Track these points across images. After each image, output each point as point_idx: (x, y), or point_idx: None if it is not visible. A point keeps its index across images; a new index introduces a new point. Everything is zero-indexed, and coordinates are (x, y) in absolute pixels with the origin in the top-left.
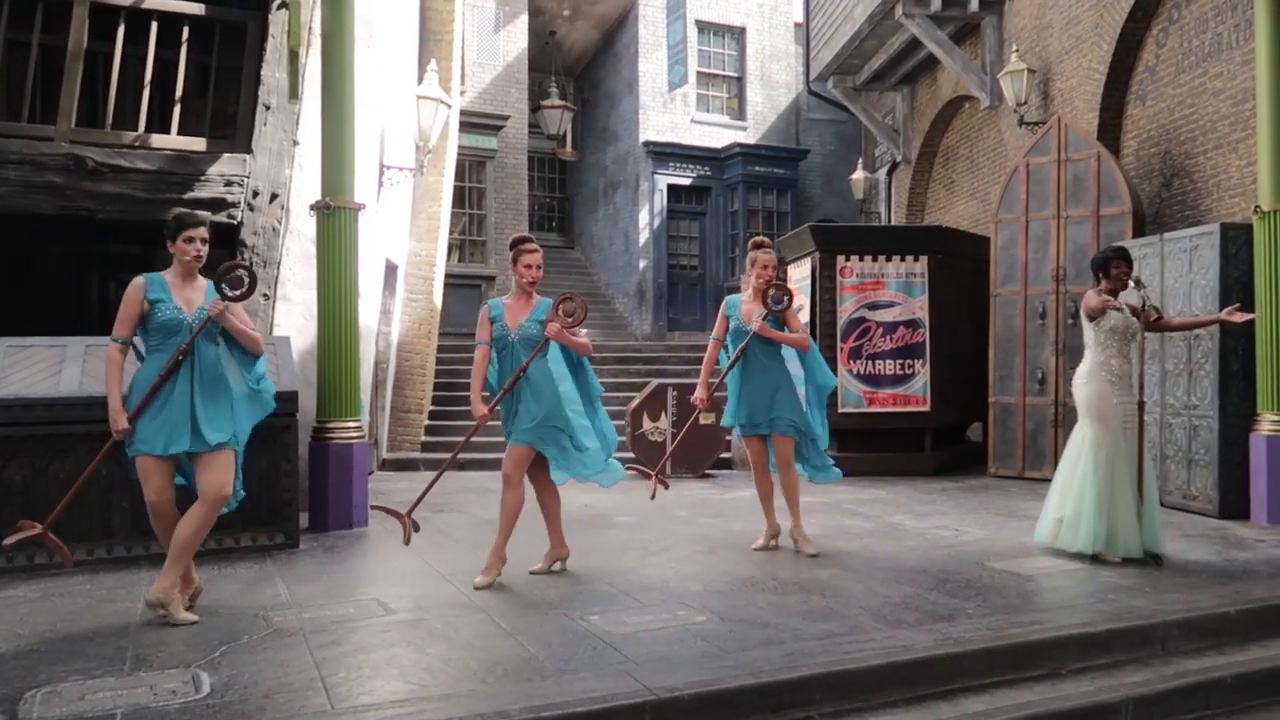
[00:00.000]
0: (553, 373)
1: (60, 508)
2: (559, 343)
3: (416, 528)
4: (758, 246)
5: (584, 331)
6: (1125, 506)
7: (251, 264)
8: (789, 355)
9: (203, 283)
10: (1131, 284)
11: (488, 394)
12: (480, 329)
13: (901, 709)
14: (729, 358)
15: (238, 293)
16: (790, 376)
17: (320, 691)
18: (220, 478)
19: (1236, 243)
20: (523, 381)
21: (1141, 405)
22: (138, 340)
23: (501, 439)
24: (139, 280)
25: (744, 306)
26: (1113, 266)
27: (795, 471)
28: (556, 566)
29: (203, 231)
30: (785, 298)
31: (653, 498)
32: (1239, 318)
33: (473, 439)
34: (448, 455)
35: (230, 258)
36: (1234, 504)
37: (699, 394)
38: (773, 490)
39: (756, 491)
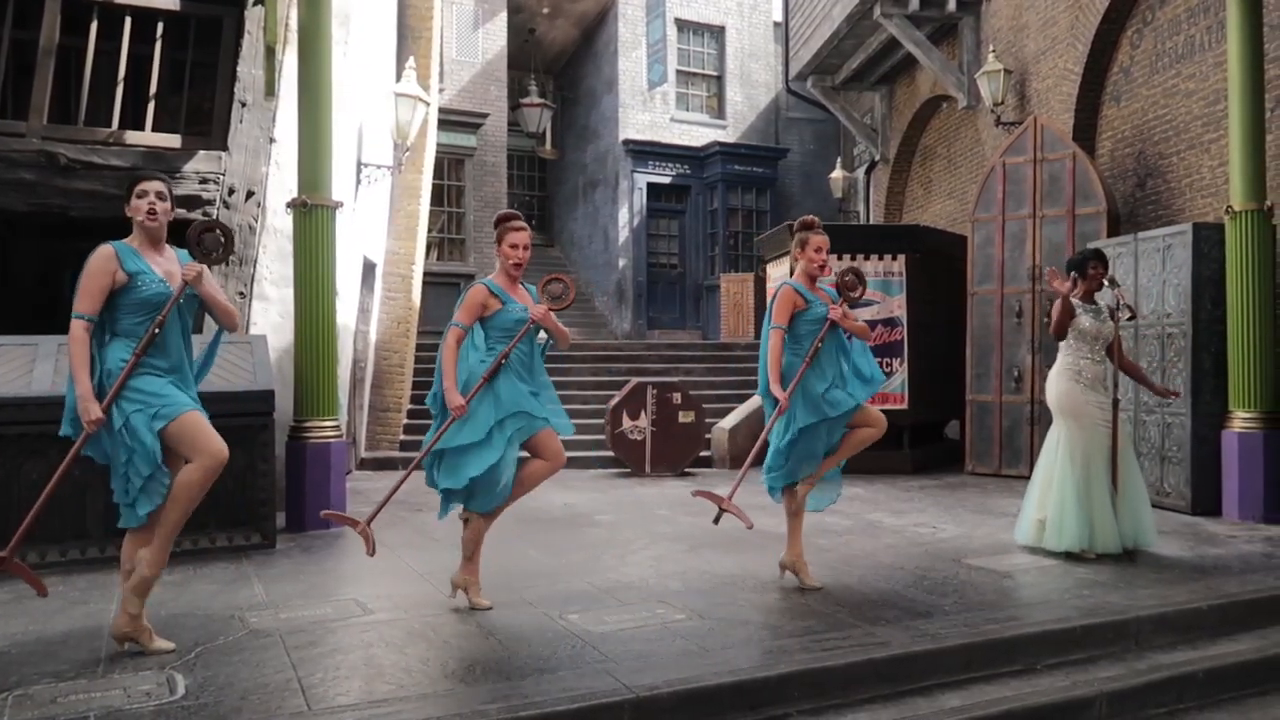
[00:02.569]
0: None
1: (22, 531)
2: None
3: (371, 547)
4: (807, 227)
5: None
6: (1102, 504)
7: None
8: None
9: (173, 253)
10: (1105, 283)
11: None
12: (468, 312)
13: (879, 705)
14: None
15: (215, 254)
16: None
17: (297, 692)
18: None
19: (1209, 242)
20: (513, 368)
21: (1116, 403)
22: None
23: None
24: (106, 249)
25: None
26: (1090, 267)
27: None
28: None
29: (157, 186)
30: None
31: (716, 522)
32: (1172, 398)
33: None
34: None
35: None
36: (1206, 500)
37: (779, 394)
38: None
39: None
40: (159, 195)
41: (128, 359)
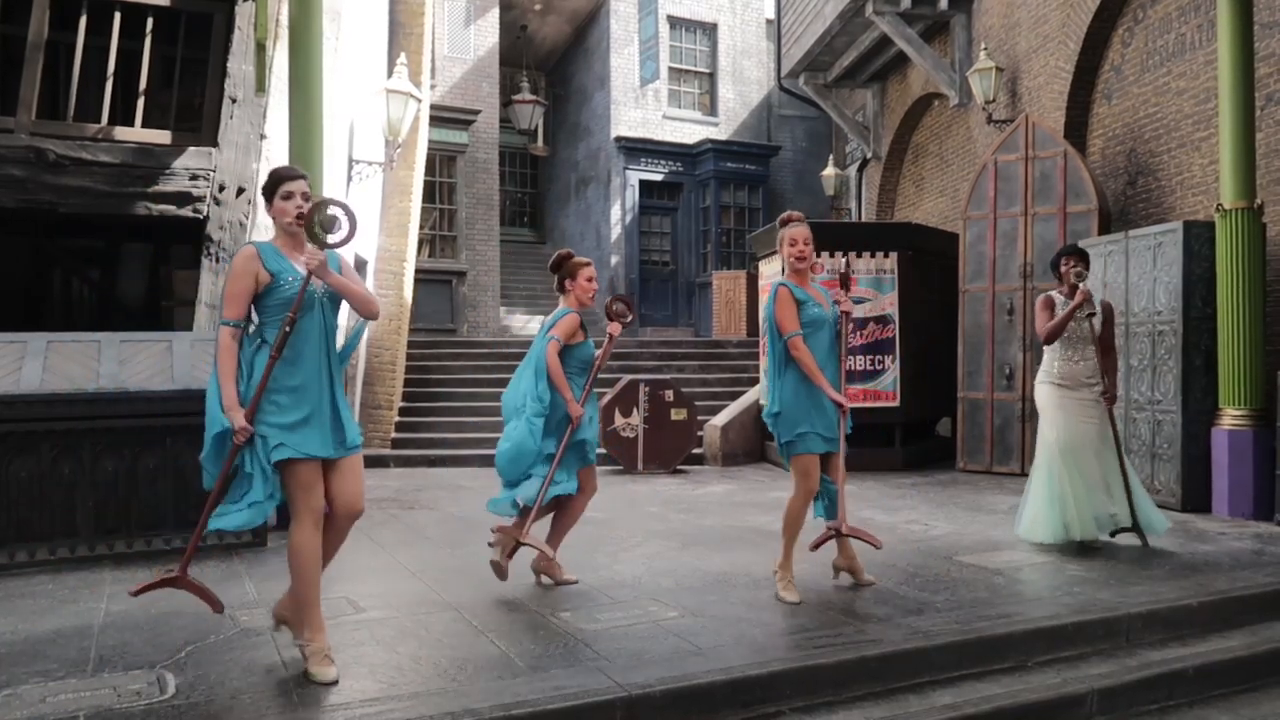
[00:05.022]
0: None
1: (191, 549)
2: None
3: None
4: (785, 222)
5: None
6: (1080, 498)
7: (217, 259)
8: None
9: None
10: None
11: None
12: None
13: (871, 702)
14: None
15: (339, 236)
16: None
17: (288, 691)
18: (360, 485)
19: (1199, 240)
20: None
21: (1113, 399)
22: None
23: (471, 436)
24: (249, 250)
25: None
26: (1060, 265)
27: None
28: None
29: (303, 185)
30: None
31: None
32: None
33: (445, 436)
34: (419, 452)
35: (196, 252)
36: (1196, 497)
37: (841, 400)
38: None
39: (794, 525)
40: (304, 196)
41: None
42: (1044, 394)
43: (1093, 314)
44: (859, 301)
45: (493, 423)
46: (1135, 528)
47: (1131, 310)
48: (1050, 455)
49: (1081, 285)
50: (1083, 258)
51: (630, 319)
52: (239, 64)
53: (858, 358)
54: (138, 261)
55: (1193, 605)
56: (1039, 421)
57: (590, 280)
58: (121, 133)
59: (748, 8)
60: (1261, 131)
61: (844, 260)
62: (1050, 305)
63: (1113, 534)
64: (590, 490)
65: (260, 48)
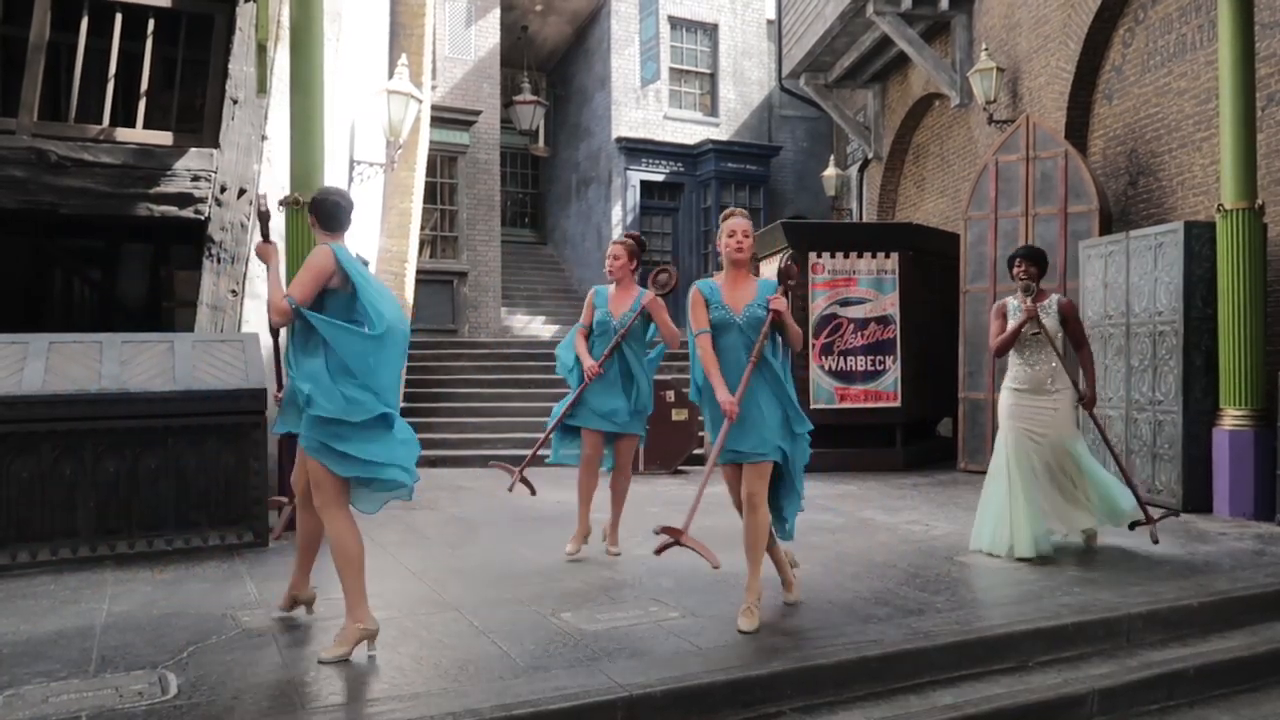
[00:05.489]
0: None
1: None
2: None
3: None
4: (728, 216)
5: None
6: (1025, 509)
7: (218, 259)
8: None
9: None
10: (1023, 288)
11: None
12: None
13: (871, 703)
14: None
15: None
16: (780, 384)
17: (290, 691)
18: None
19: (1200, 240)
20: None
21: (1089, 400)
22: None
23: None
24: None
25: (725, 292)
26: (1012, 268)
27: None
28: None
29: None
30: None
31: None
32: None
33: (446, 436)
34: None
35: (197, 253)
36: (1197, 498)
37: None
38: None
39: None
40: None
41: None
42: (1002, 401)
43: (1037, 332)
44: (860, 302)
45: (494, 423)
46: (1146, 518)
47: (1132, 310)
48: (998, 465)
49: (1028, 301)
50: (1035, 260)
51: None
52: (240, 65)
53: (859, 358)
54: (139, 262)
55: (1193, 605)
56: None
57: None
58: (123, 134)
59: (748, 8)
60: (1262, 132)
61: (786, 257)
62: (1002, 314)
63: (1131, 526)
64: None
65: (261, 49)
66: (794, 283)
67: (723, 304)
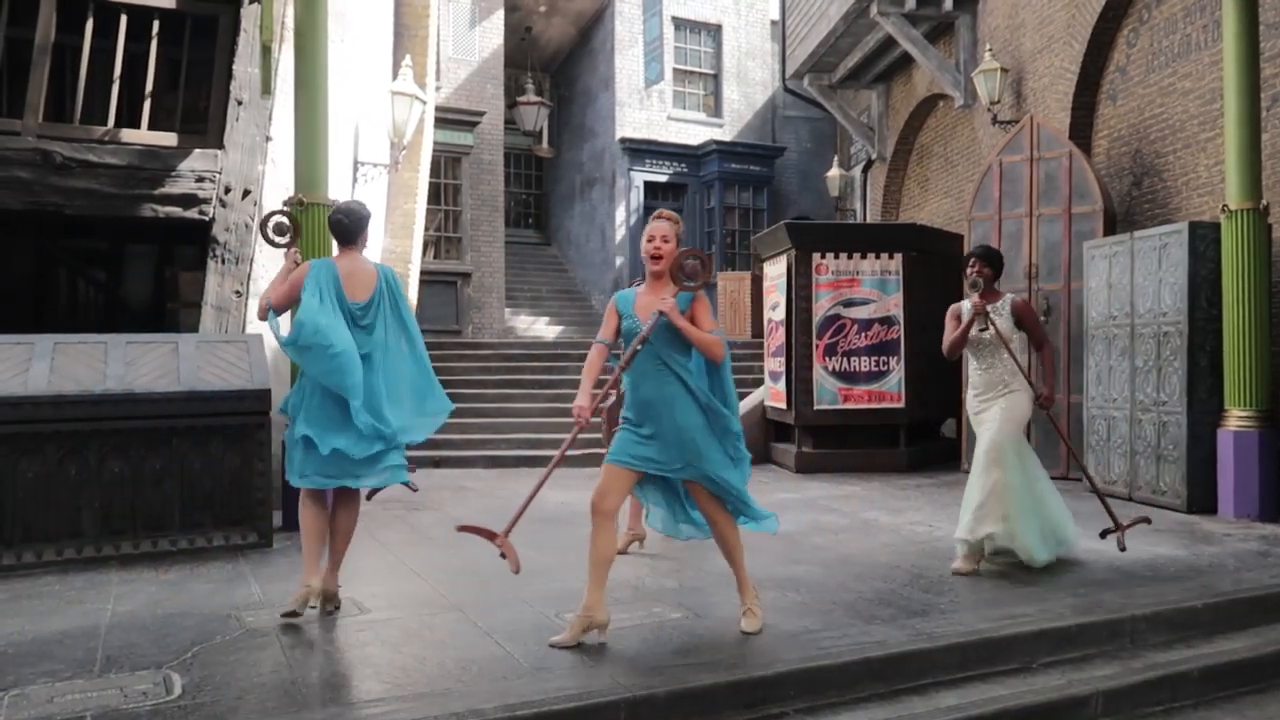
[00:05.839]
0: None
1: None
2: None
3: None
4: (655, 219)
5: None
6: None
7: (223, 260)
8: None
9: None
10: (969, 287)
11: None
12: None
13: (875, 704)
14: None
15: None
16: (688, 398)
17: (293, 692)
18: None
19: (1205, 241)
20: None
21: (1046, 398)
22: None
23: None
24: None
25: (639, 300)
26: (966, 268)
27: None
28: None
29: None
30: (701, 271)
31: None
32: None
33: (450, 437)
34: (423, 453)
35: (201, 254)
36: (1202, 499)
37: (580, 402)
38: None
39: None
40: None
41: None
42: (967, 408)
43: (985, 329)
44: (864, 303)
45: (497, 424)
46: (1115, 525)
47: (1137, 311)
48: (978, 460)
49: (976, 297)
50: (989, 260)
51: (696, 283)
52: (244, 66)
53: (862, 359)
54: (143, 263)
55: (1197, 607)
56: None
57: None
58: (128, 135)
59: (752, 9)
60: (1267, 132)
61: (687, 253)
62: (957, 316)
63: (1103, 534)
64: None
65: (266, 50)
66: (696, 284)
67: (633, 313)
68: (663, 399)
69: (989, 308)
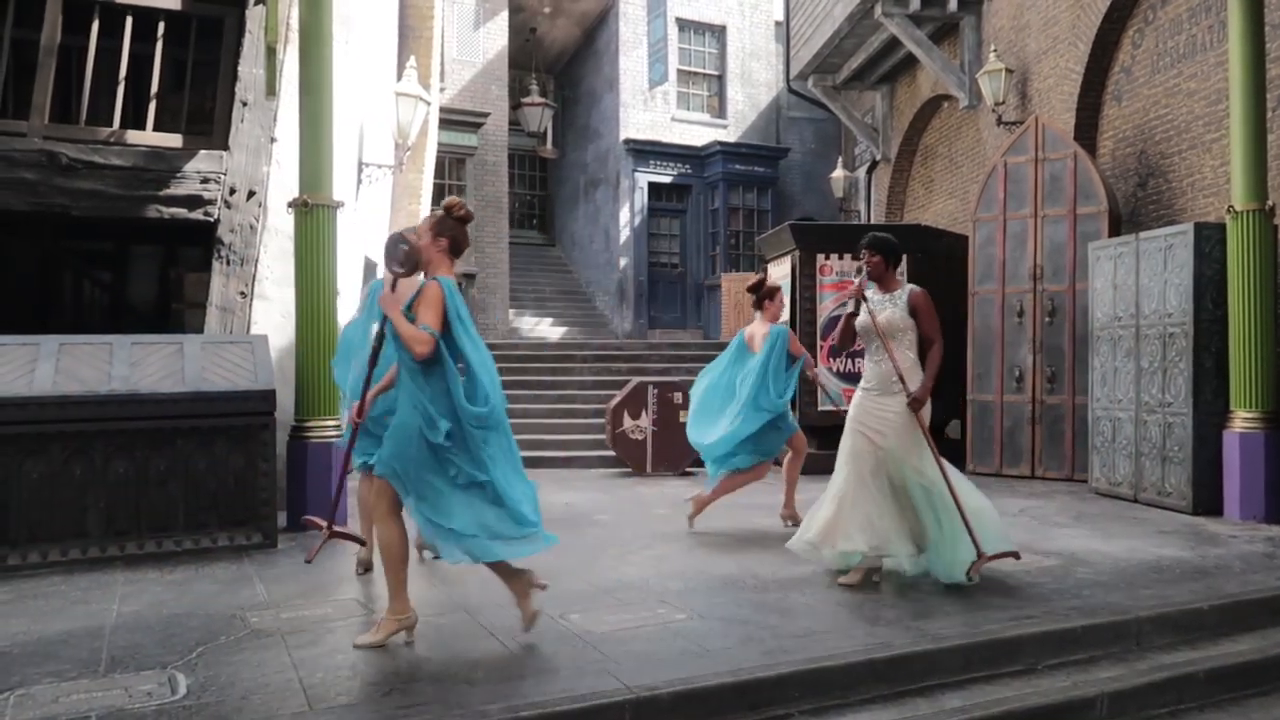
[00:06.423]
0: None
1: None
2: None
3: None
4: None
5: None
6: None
7: (228, 261)
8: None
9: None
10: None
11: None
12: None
13: (880, 706)
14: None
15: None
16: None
17: (298, 692)
18: None
19: (1210, 242)
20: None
21: (916, 399)
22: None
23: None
24: None
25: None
26: (860, 254)
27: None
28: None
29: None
30: (411, 258)
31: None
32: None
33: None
34: None
35: (206, 255)
36: (1207, 500)
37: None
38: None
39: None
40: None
41: None
42: (854, 394)
43: (852, 311)
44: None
45: None
46: (978, 554)
47: (1142, 312)
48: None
49: (857, 280)
50: (880, 248)
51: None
52: (249, 67)
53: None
54: (148, 264)
55: (1203, 608)
56: None
57: (783, 303)
58: (133, 136)
59: (756, 10)
60: (1273, 133)
61: (396, 238)
62: (856, 300)
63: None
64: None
65: (271, 51)
66: (402, 269)
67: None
68: (403, 395)
69: (887, 296)
